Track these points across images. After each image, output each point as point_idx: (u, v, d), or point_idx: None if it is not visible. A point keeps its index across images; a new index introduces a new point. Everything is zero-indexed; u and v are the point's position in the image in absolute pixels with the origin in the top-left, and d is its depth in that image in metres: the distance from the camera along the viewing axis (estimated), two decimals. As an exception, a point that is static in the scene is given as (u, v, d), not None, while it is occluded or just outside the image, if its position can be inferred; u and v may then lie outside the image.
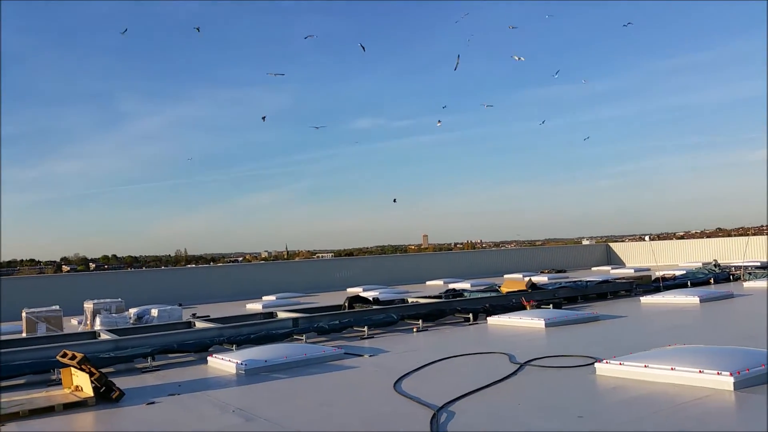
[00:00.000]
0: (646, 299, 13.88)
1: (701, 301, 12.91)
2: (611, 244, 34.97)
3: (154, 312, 13.81)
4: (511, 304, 12.72)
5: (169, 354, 9.11)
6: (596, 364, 6.65)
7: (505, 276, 25.39)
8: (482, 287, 18.01)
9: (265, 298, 20.68)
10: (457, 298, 14.21)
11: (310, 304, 16.14)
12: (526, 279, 16.70)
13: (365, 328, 10.62)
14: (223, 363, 8.09)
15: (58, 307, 14.03)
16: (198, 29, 25.80)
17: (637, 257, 32.30)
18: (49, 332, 12.82)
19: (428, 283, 24.82)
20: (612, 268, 27.84)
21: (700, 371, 5.73)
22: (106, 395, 6.45)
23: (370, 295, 15.95)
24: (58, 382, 7.47)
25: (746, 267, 19.69)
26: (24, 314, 13.36)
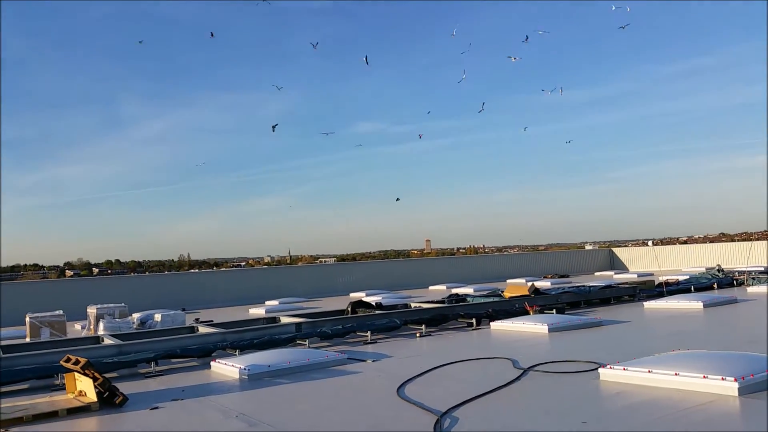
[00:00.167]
0: (649, 304, 13.85)
1: (705, 306, 12.88)
2: (614, 249, 34.93)
3: (158, 317, 13.82)
4: (514, 309, 12.70)
5: (172, 359, 9.10)
6: (600, 370, 6.64)
7: (508, 281, 25.35)
8: (485, 292, 17.98)
9: (268, 302, 20.67)
10: (460, 303, 14.19)
11: (313, 309, 16.15)
12: (530, 284, 16.67)
13: (368, 333, 10.62)
14: (226, 368, 8.09)
15: (61, 312, 14.07)
16: (212, 34, 25.78)
17: (640, 262, 32.24)
18: (52, 337, 12.86)
19: (431, 288, 24.80)
20: (615, 273, 27.79)
21: (704, 377, 5.71)
22: (109, 400, 6.45)
23: (372, 300, 15.95)
24: (61, 387, 7.47)
25: (750, 272, 19.63)
26: (28, 319, 13.39)
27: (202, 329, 11.21)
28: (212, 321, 13.62)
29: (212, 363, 8.60)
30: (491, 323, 11.64)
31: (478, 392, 6.05)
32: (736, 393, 5.41)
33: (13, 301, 19.06)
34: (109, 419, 6.06)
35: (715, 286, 17.54)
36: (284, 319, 12.01)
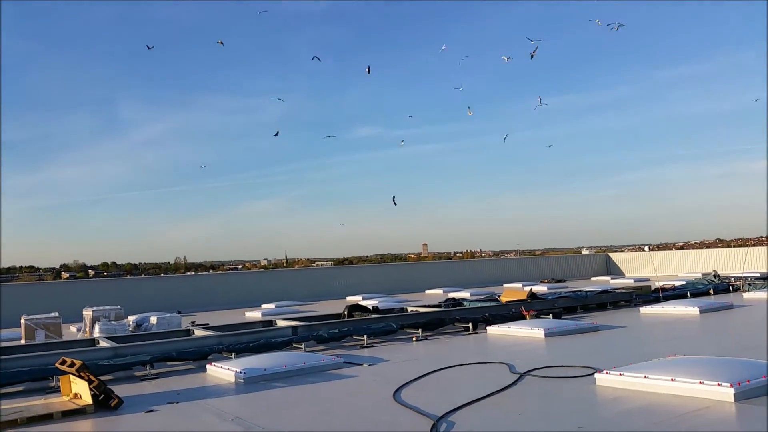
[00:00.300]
0: (645, 309, 13.87)
1: (701, 311, 12.90)
2: (611, 254, 34.98)
3: (153, 319, 13.79)
4: (510, 313, 12.70)
5: (168, 362, 9.08)
6: (596, 375, 6.64)
7: (505, 285, 25.36)
8: (482, 296, 17.99)
9: (264, 306, 20.65)
10: (457, 308, 14.19)
11: (309, 313, 16.12)
12: (527, 289, 16.69)
13: (364, 337, 10.61)
14: (222, 371, 8.07)
15: (57, 314, 14.01)
16: (221, 43, 25.65)
17: (636, 267, 32.29)
18: (48, 339, 12.80)
19: (428, 292, 24.79)
20: (611, 278, 27.83)
21: (700, 382, 5.71)
22: (104, 403, 6.43)
23: (369, 303, 15.93)
24: (56, 390, 7.45)
25: (746, 278, 19.67)
26: (23, 321, 13.34)
27: (198, 332, 11.19)
28: (208, 324, 13.58)
29: (208, 366, 8.58)
30: (488, 328, 11.64)
31: (474, 397, 6.05)
32: (732, 399, 5.41)
33: (8, 302, 18.99)
34: (104, 422, 6.04)
35: (712, 291, 17.57)
36: (280, 323, 11.99)
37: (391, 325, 11.14)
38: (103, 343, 10.13)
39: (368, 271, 30.05)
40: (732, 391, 5.45)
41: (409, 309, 14.19)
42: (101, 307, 14.20)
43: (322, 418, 5.73)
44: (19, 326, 13.66)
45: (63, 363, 7.03)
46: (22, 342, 12.75)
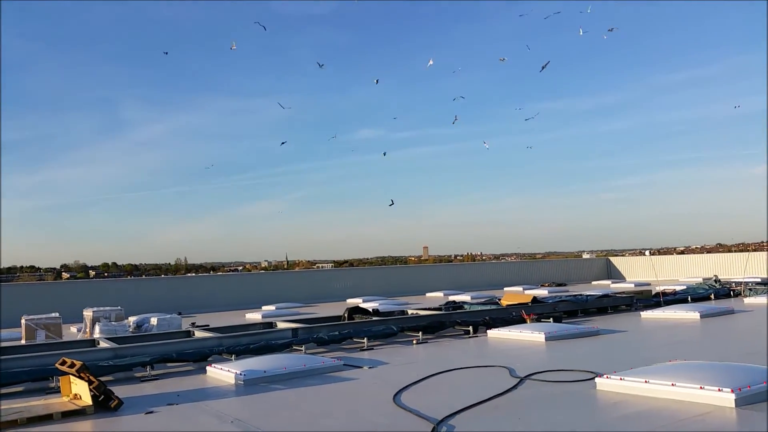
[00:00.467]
0: (646, 314, 13.86)
1: (702, 316, 12.89)
2: (611, 258, 34.98)
3: (154, 321, 13.79)
4: (511, 317, 12.69)
5: (168, 363, 9.08)
6: (597, 379, 6.63)
7: (505, 289, 25.36)
8: (482, 300, 17.98)
9: (264, 307, 20.65)
10: (457, 311, 14.18)
11: (310, 315, 16.12)
12: (529, 293, 16.68)
13: (365, 340, 10.60)
14: (222, 373, 8.07)
15: (57, 314, 14.02)
16: (234, 47, 25.57)
17: (637, 271, 32.28)
18: (48, 339, 12.81)
19: (428, 294, 24.78)
20: (612, 282, 27.82)
21: (700, 387, 5.71)
22: (104, 404, 6.43)
23: (369, 306, 15.94)
24: (56, 390, 7.45)
25: (747, 283, 19.66)
26: (23, 321, 13.35)
27: (199, 333, 11.18)
28: (208, 325, 13.57)
29: (208, 368, 8.58)
30: (488, 331, 11.63)
31: (474, 400, 6.04)
32: (733, 404, 5.41)
33: (9, 303, 19.01)
34: (104, 423, 6.04)
35: (712, 296, 17.55)
36: (281, 325, 11.99)
37: (392, 328, 11.14)
38: (103, 344, 10.13)
39: (369, 273, 30.05)
40: (733, 396, 5.44)
41: (410, 312, 14.18)
42: (102, 308, 14.21)
43: (322, 421, 5.73)
44: (20, 326, 13.66)
45: (63, 363, 7.03)
46: (23, 342, 12.76)
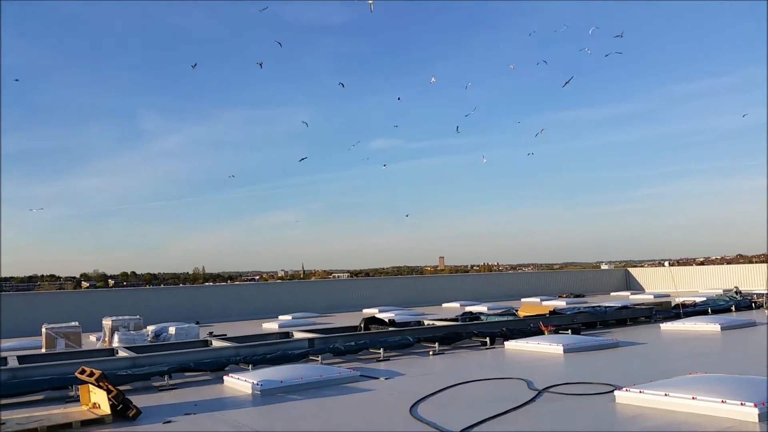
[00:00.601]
0: (666, 326, 13.69)
1: (722, 328, 12.71)
2: (630, 269, 34.61)
3: (172, 330, 13.87)
4: (528, 328, 12.60)
5: (185, 373, 9.13)
6: (616, 392, 6.56)
7: (523, 300, 25.19)
8: (499, 311, 17.86)
9: (281, 317, 20.70)
10: (474, 322, 14.11)
11: (326, 325, 16.13)
12: (548, 305, 16.55)
13: (381, 350, 10.58)
14: (239, 383, 8.09)
15: (77, 323, 14.16)
16: (260, 64, 25.89)
17: (656, 283, 31.92)
18: (67, 348, 12.94)
19: (444, 305, 24.69)
20: (631, 294, 27.52)
21: (722, 401, 5.62)
22: (123, 413, 6.48)
23: (385, 316, 15.90)
24: (76, 399, 7.52)
25: (769, 294, 19.34)
26: (44, 330, 13.50)
27: (216, 343, 11.23)
28: (226, 335, 13.63)
29: (225, 377, 8.61)
30: (505, 342, 11.55)
31: (492, 413, 6.00)
32: (756, 419, 5.31)
33: (29, 311, 19.25)
34: (122, 432, 6.08)
35: (733, 308, 17.30)
36: (297, 334, 12.01)
37: (408, 339, 11.11)
38: (122, 353, 10.21)
39: (385, 283, 30.01)
40: (756, 411, 5.35)
41: (426, 322, 14.13)
42: (120, 317, 14.33)
43: (339, 432, 5.71)
44: (40, 335, 13.82)
45: (82, 372, 7.09)
46: (43, 350, 12.89)
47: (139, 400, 7.11)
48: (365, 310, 22.41)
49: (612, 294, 29.08)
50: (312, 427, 5.95)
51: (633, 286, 32.59)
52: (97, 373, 6.81)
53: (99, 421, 6.36)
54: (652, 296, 24.49)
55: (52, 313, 18.01)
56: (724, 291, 22.79)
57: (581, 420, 5.82)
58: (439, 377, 8.30)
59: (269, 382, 7.73)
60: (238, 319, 21.39)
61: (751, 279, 28.21)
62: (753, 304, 17.95)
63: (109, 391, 6.53)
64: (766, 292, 20.56)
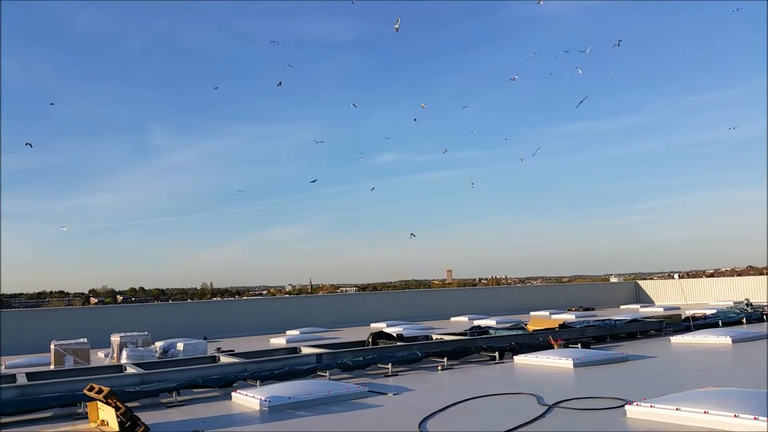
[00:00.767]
0: (676, 339, 13.58)
1: (734, 341, 12.59)
2: (640, 282, 34.41)
3: (180, 346, 13.87)
4: (538, 342, 12.52)
5: (193, 389, 9.11)
6: (626, 407, 6.50)
7: (532, 313, 25.06)
8: (508, 325, 17.78)
9: (288, 332, 20.67)
10: (483, 336, 14.04)
11: (334, 340, 16.08)
12: (557, 318, 16.46)
13: (389, 366, 10.53)
14: (247, 399, 8.07)
15: (85, 339, 14.20)
16: (280, 84, 26.60)
17: (666, 295, 31.70)
18: (76, 365, 12.96)
19: (452, 319, 24.59)
20: (641, 307, 27.33)
21: (735, 415, 5.56)
22: (131, 430, 6.46)
23: (393, 331, 15.85)
24: (84, 416, 7.51)
25: (780, 307, 19.17)
26: (52, 346, 13.53)
27: (224, 359, 11.22)
28: (233, 350, 13.63)
29: (233, 393, 8.59)
30: (515, 357, 11.48)
31: (501, 429, 5.95)
32: (769, 434, 5.25)
33: (38, 327, 19.30)
34: (130, 449, 6.06)
35: (744, 321, 17.15)
36: (305, 350, 11.98)
37: (416, 354, 11.05)
38: (130, 370, 10.20)
39: (392, 297, 29.94)
40: (769, 425, 5.29)
41: (434, 337, 14.07)
42: (129, 333, 14.35)
43: (347, 449, 5.68)
44: (49, 351, 13.84)
45: (91, 389, 7.09)
46: (52, 367, 12.92)
47: (147, 417, 7.10)
48: (373, 325, 22.35)
49: (621, 307, 28.91)
50: (320, 443, 5.91)
51: (643, 298, 32.38)
52: (106, 390, 6.80)
53: (107, 438, 6.35)
54: (662, 309, 24.31)
55: (61, 329, 18.06)
56: (734, 303, 22.60)
57: (592, 435, 5.77)
58: (448, 392, 8.25)
59: (277, 399, 7.71)
60: (245, 334, 21.38)
61: (762, 291, 27.96)
62: (764, 317, 17.78)
63: (117, 408, 6.52)
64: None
